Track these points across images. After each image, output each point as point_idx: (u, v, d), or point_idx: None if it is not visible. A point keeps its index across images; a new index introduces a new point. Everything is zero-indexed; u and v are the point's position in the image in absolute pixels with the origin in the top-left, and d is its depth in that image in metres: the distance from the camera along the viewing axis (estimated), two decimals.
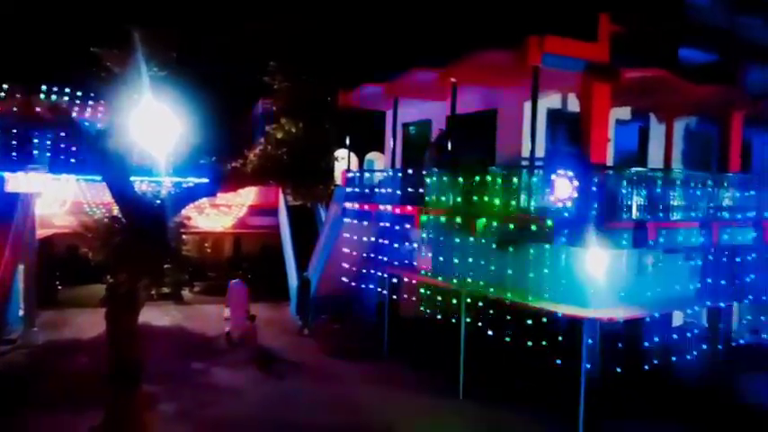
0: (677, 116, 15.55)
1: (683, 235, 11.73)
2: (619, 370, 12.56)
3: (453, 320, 14.26)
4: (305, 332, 19.44)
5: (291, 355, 17.59)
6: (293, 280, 21.86)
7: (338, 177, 20.22)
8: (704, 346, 14.24)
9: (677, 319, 15.54)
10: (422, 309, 16.06)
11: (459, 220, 13.18)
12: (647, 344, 13.32)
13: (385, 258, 17.29)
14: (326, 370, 16.21)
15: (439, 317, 15.15)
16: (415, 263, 16.66)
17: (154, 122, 10.92)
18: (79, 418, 11.55)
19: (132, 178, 10.68)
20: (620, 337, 13.37)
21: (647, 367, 12.78)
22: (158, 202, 10.79)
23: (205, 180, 11.87)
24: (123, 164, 10.43)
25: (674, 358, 14.45)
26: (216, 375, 15.48)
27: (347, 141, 19.27)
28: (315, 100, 22.81)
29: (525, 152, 12.96)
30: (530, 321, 12.37)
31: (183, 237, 13.44)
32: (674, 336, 14.81)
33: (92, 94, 21.68)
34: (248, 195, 25.58)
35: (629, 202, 11.12)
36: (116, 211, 10.95)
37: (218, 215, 25.62)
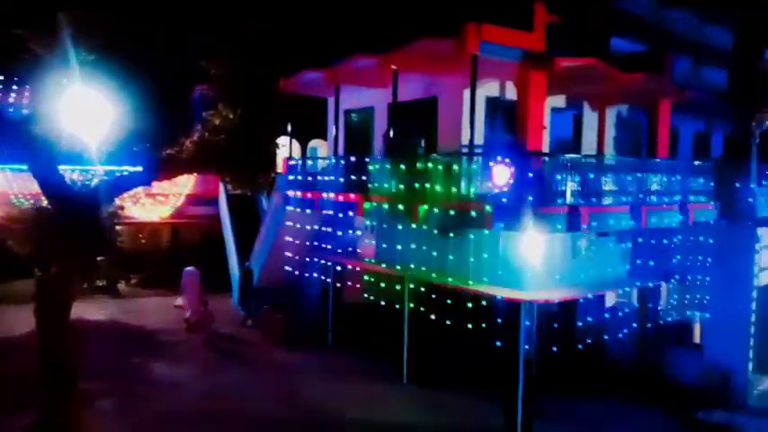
0: (609, 104, 16.13)
1: (615, 219, 12.22)
2: (555, 349, 13.05)
3: (397, 306, 14.41)
4: (248, 323, 19.22)
5: (234, 346, 17.39)
6: (235, 270, 21.52)
7: (280, 165, 19.97)
8: (635, 325, 14.97)
9: (610, 299, 16.26)
10: (366, 296, 16.15)
11: (401, 206, 13.29)
12: (581, 324, 13.88)
13: (328, 246, 17.26)
14: (271, 360, 16.11)
15: (383, 303, 15.27)
16: (358, 250, 16.71)
17: (84, 108, 10.45)
18: (12, 418, 11.06)
19: (61, 167, 10.20)
20: (556, 317, 13.87)
21: (581, 346, 13.32)
22: (89, 191, 10.35)
23: (139, 168, 11.46)
24: (50, 151, 9.96)
25: (606, 337, 15.14)
26: (156, 370, 15.12)
27: (288, 128, 19.01)
28: (254, 86, 22.40)
29: (465, 139, 13.17)
30: (470, 305, 12.65)
31: (117, 228, 12.97)
32: (607, 315, 15.50)
33: (15, 78, 20.51)
34: (186, 184, 24.91)
35: (564, 188, 11.48)
36: (45, 201, 10.46)
37: (154, 205, 24.85)
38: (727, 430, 12.34)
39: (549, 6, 12.92)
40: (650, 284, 14.40)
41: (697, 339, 15.28)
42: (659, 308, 15.40)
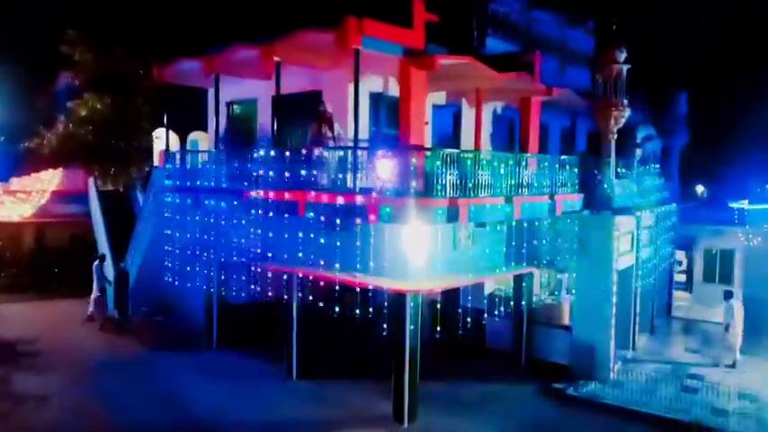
0: (486, 101, 16.91)
1: (491, 210, 12.85)
2: (438, 336, 13.55)
3: (285, 302, 14.23)
4: (124, 327, 18.11)
5: (109, 352, 16.30)
6: (109, 272, 20.15)
7: (157, 159, 18.94)
8: (510, 309, 15.89)
9: (489, 286, 17.14)
10: (252, 293, 15.77)
11: (287, 199, 13.10)
12: (462, 310, 14.49)
13: (212, 243, 16.63)
14: (150, 366, 15.28)
15: (270, 300, 15.00)
16: (243, 245, 16.25)
17: None
18: None
19: None
20: (439, 305, 14.39)
21: (462, 332, 13.92)
22: None
23: None
24: None
25: (485, 321, 15.96)
26: (17, 383, 13.80)
27: (165, 120, 18.02)
28: (124, 74, 21.04)
29: (350, 133, 13.22)
30: (358, 297, 12.76)
31: None
32: (486, 301, 16.33)
33: None
34: (51, 180, 22.86)
35: (444, 181, 11.88)
36: None
37: (14, 203, 22.60)
38: (592, 401, 13.46)
39: (428, 5, 13.29)
40: (524, 270, 15.32)
41: (566, 320, 16.48)
42: (532, 292, 16.42)
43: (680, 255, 24.48)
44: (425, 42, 13.29)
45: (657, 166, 20.64)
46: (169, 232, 17.32)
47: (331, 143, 13.20)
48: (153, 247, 17.94)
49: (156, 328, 17.04)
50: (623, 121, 15.93)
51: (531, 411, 13.08)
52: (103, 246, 21.19)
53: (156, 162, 18.60)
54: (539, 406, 13.44)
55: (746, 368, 16.04)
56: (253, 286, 15.78)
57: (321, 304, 13.40)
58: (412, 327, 11.83)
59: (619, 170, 16.62)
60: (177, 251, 17.20)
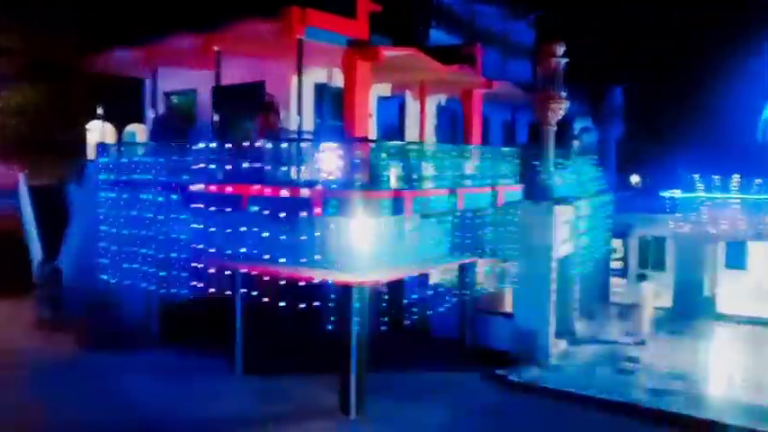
0: (430, 93, 17.07)
1: (436, 201, 13.02)
2: (385, 328, 13.62)
3: (229, 297, 13.99)
4: (57, 326, 17.37)
5: (42, 353, 15.61)
6: (41, 271, 19.25)
7: (92, 152, 18.20)
8: (455, 298, 16.16)
9: (434, 276, 17.35)
10: (196, 288, 15.40)
11: (230, 192, 12.86)
12: (408, 301, 14.63)
13: (151, 239, 16.12)
14: (88, 365, 14.75)
15: (215, 295, 14.70)
16: (184, 239, 15.84)
17: None
18: None
19: None
20: (385, 297, 14.47)
21: (408, 322, 14.06)
22: None
23: None
24: None
25: (431, 311, 16.16)
26: None
27: (100, 111, 17.32)
28: (57, 63, 20.08)
29: (294, 125, 13.09)
30: (304, 291, 12.67)
31: None
32: (431, 291, 16.52)
33: None
34: None
35: (389, 173, 11.93)
36: None
37: None
38: (533, 386, 13.88)
39: None
40: (468, 260, 15.60)
41: (509, 308, 16.90)
42: (476, 281, 16.75)
43: (616, 242, 25.48)
44: (370, 34, 13.28)
45: (595, 156, 21.37)
46: (105, 228, 16.69)
47: (277, 135, 13.03)
48: (88, 245, 17.25)
49: (94, 327, 16.44)
50: (562, 113, 16.38)
51: (475, 398, 13.37)
52: (35, 243, 20.23)
53: (90, 155, 17.86)
54: (483, 392, 13.75)
55: (677, 348, 16.91)
56: (195, 282, 15.42)
57: (266, 299, 13.24)
58: (358, 318, 11.87)
59: (558, 161, 17.10)
60: (114, 248, 16.60)
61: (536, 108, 16.59)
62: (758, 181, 20.33)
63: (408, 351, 15.70)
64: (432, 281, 16.34)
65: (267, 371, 14.00)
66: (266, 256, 12.87)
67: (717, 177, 20.93)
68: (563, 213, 15.98)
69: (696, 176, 21.17)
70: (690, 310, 20.64)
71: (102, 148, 16.84)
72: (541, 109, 16.36)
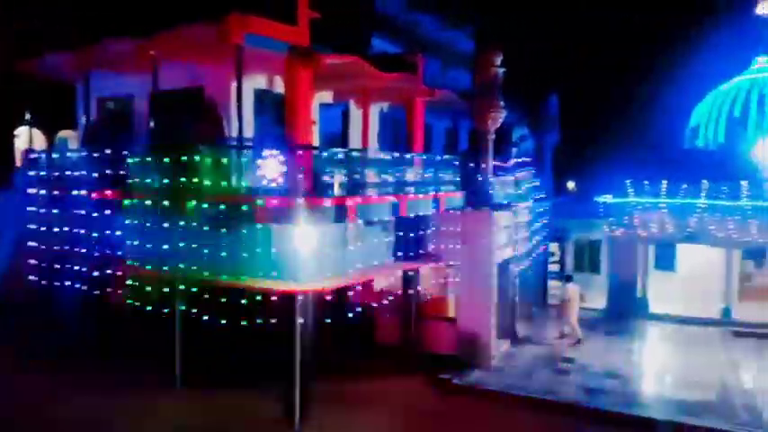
0: (373, 101, 17.17)
1: (379, 209, 13.09)
2: (330, 336, 13.56)
3: (168, 309, 13.59)
4: None
5: None
6: None
7: (20, 159, 17.34)
8: (398, 305, 16.27)
9: (378, 283, 17.41)
10: (133, 301, 14.90)
11: (167, 203, 12.52)
12: (353, 309, 14.61)
13: (84, 249, 15.49)
14: (18, 381, 13.99)
15: (153, 307, 14.25)
16: (120, 252, 15.30)
17: None
18: None
19: None
20: (330, 305, 14.41)
21: (353, 330, 14.05)
22: None
23: None
24: None
25: (376, 318, 16.20)
26: None
27: (27, 116, 16.54)
28: None
29: (235, 131, 12.88)
30: (246, 301, 12.48)
31: None
32: (375, 300, 16.57)
33: None
34: None
35: (332, 181, 11.92)
36: None
37: None
38: (475, 389, 14.13)
39: (312, 2, 13.23)
40: (412, 266, 15.75)
41: (452, 313, 17.14)
42: (420, 287, 16.92)
43: (554, 246, 26.33)
44: (312, 41, 13.24)
45: (532, 163, 22.02)
46: (35, 244, 15.93)
47: (218, 141, 12.80)
48: (15, 257, 16.42)
49: (26, 339, 15.62)
50: (500, 121, 16.82)
51: (419, 403, 13.49)
52: None
53: (18, 162, 17.02)
54: (427, 397, 13.90)
55: (612, 348, 17.61)
56: (133, 294, 14.91)
57: (206, 310, 12.95)
58: (302, 328, 11.77)
59: (497, 168, 17.54)
60: (44, 260, 15.85)
61: (475, 116, 16.97)
62: (684, 186, 21.47)
63: (353, 358, 15.69)
64: (376, 287, 16.40)
65: (208, 383, 13.68)
66: (206, 267, 12.59)
67: (646, 183, 21.97)
68: (503, 219, 16.38)
69: (628, 182, 22.17)
70: (623, 310, 21.55)
71: (29, 154, 16.08)
72: (481, 117, 16.75)
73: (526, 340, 18.15)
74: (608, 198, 22.73)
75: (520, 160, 20.32)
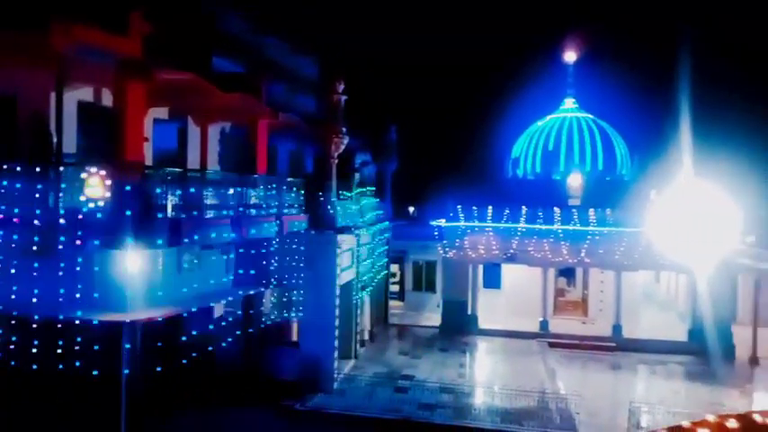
0: (213, 120, 16.60)
1: (218, 231, 12.61)
2: (163, 366, 12.66)
3: None
4: None
5: None
6: None
7: None
8: (240, 332, 15.71)
9: (218, 309, 16.70)
10: None
11: None
12: (188, 337, 13.83)
13: None
14: None
15: None
16: None
17: None
18: None
19: None
20: (163, 334, 13.50)
21: (187, 360, 13.26)
22: None
23: None
24: None
25: (215, 346, 15.47)
26: None
27: None
28: None
29: (53, 146, 11.67)
30: (64, 335, 11.20)
31: None
32: (214, 326, 15.85)
33: None
34: None
35: (166, 202, 11.28)
36: None
37: None
38: (318, 413, 14.06)
39: (146, 14, 12.53)
40: (253, 291, 15.34)
41: (295, 338, 16.98)
42: (263, 312, 16.54)
43: (394, 267, 27.34)
44: (147, 54, 12.48)
45: (373, 188, 22.77)
46: None
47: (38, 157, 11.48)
48: None
49: None
50: (343, 147, 17.20)
51: (262, 431, 13.07)
52: None
53: None
54: (269, 424, 13.54)
55: (446, 364, 18.56)
56: None
57: (17, 349, 11.40)
58: (130, 362, 10.86)
59: (340, 192, 17.86)
60: None
61: (320, 141, 17.19)
62: (507, 211, 23.56)
63: (193, 390, 14.76)
64: (217, 314, 15.70)
65: (22, 422, 12.00)
66: (18, 303, 11.12)
67: (475, 208, 23.77)
68: (345, 242, 16.67)
69: (459, 207, 23.80)
70: (456, 327, 22.92)
71: None
72: (325, 142, 17.00)
73: (368, 360, 18.49)
74: (442, 222, 24.20)
75: (362, 185, 20.91)
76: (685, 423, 9.48)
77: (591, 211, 23.08)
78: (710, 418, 9.65)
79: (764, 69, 34.96)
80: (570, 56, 32.11)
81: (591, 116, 31.11)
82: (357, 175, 21.47)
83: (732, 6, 36.83)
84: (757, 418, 9.43)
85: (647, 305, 25.60)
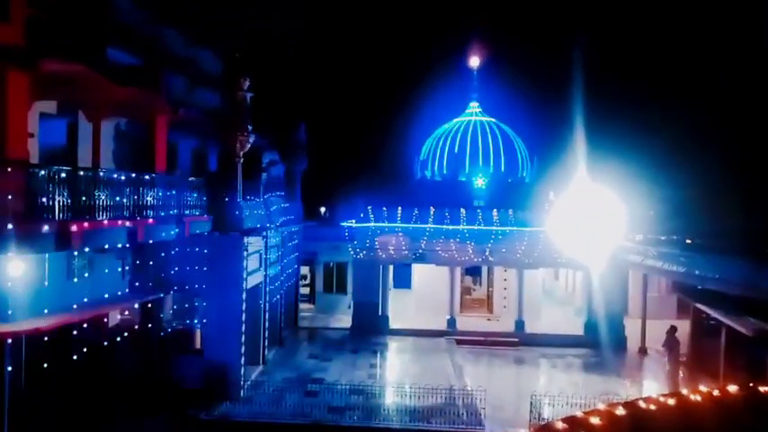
0: (106, 115, 15.53)
1: (111, 234, 11.78)
2: (54, 380, 11.69)
3: None
4: None
5: None
6: None
7: None
8: (138, 341, 14.83)
9: (113, 317, 15.67)
10: None
11: None
12: (81, 348, 12.86)
13: None
14: None
15: None
16: None
17: None
18: None
19: None
20: (51, 347, 12.47)
21: (78, 373, 12.34)
22: None
23: None
24: None
25: (112, 356, 14.49)
26: None
27: None
28: None
29: None
30: None
31: None
32: (109, 336, 14.86)
33: None
34: None
35: (53, 202, 10.39)
36: None
37: None
38: (224, 422, 13.53)
39: (40, 3, 11.51)
40: (152, 298, 14.53)
41: (199, 344, 16.26)
42: (163, 319, 15.71)
43: (304, 269, 26.96)
44: (33, 43, 11.45)
45: (282, 188, 22.31)
46: None
47: None
48: None
49: None
50: (248, 145, 16.68)
51: None
52: None
53: None
54: None
55: (357, 365, 18.49)
56: None
57: None
58: (12, 378, 9.90)
59: (246, 193, 17.30)
60: None
61: (224, 139, 16.57)
62: (416, 212, 23.89)
63: (90, 402, 13.74)
64: (111, 322, 14.71)
65: None
66: None
67: (385, 209, 23.91)
68: (252, 244, 16.17)
69: (369, 208, 23.84)
70: (368, 328, 22.94)
71: None
72: (229, 140, 16.41)
73: (276, 365, 18.07)
74: (352, 223, 24.13)
75: (270, 185, 20.40)
76: (579, 413, 9.96)
77: (494, 212, 23.87)
78: (601, 406, 10.28)
79: (651, 78, 37.76)
80: (474, 61, 33.08)
81: (494, 120, 32.22)
82: (264, 175, 20.89)
83: (624, 16, 39.43)
84: (642, 404, 10.16)
85: (547, 301, 26.85)
